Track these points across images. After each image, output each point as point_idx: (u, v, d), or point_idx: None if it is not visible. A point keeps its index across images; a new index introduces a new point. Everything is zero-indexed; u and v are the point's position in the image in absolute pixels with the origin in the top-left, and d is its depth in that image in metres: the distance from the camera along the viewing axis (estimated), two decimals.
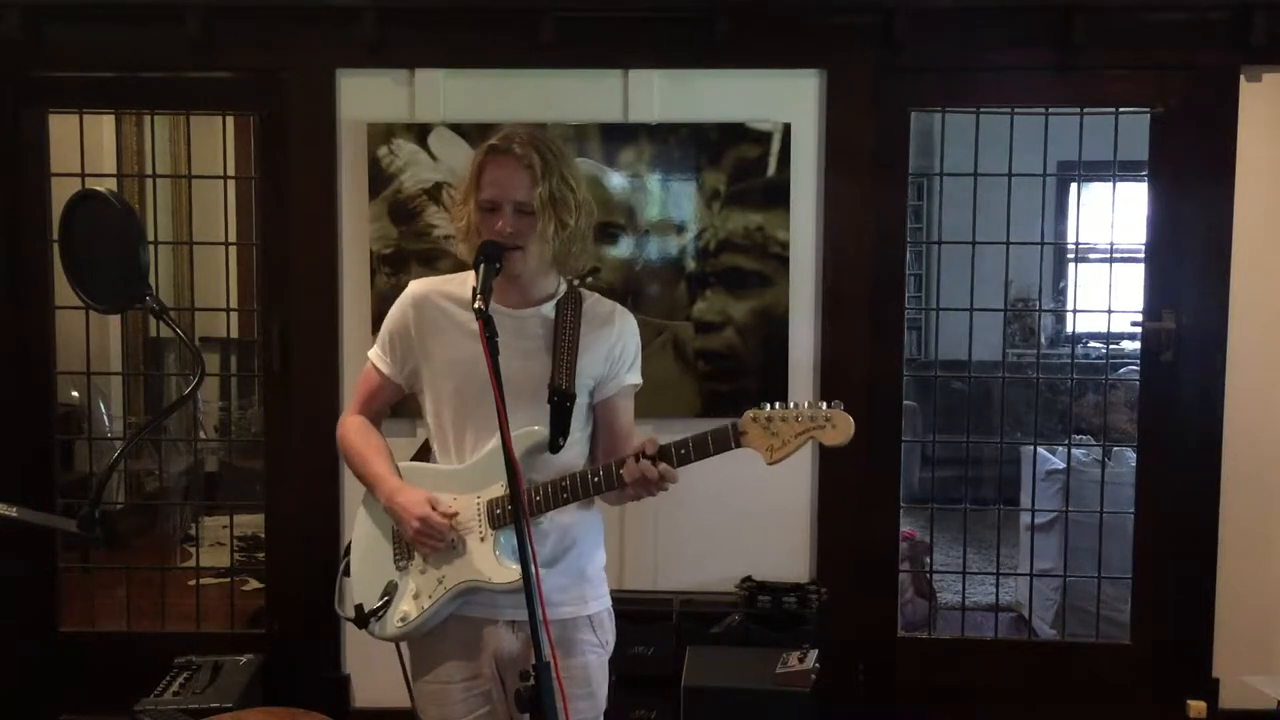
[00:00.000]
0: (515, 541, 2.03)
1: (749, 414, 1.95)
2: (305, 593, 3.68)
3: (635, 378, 2.23)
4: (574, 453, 2.16)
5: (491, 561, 2.07)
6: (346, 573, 2.26)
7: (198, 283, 4.41)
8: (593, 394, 2.19)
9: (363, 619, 2.16)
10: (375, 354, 2.26)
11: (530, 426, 2.08)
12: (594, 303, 2.22)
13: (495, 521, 2.08)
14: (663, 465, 1.96)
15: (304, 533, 3.74)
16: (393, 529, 2.18)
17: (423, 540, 2.09)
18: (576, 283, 2.27)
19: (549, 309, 2.16)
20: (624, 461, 2.00)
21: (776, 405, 1.94)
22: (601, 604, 2.22)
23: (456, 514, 2.09)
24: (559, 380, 2.11)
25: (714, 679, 3.25)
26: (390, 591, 2.16)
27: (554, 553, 2.13)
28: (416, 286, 2.23)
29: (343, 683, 3.82)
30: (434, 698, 2.19)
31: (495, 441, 2.03)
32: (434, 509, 2.08)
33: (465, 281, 2.16)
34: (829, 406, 1.93)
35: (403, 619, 2.13)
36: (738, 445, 1.96)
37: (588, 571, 2.20)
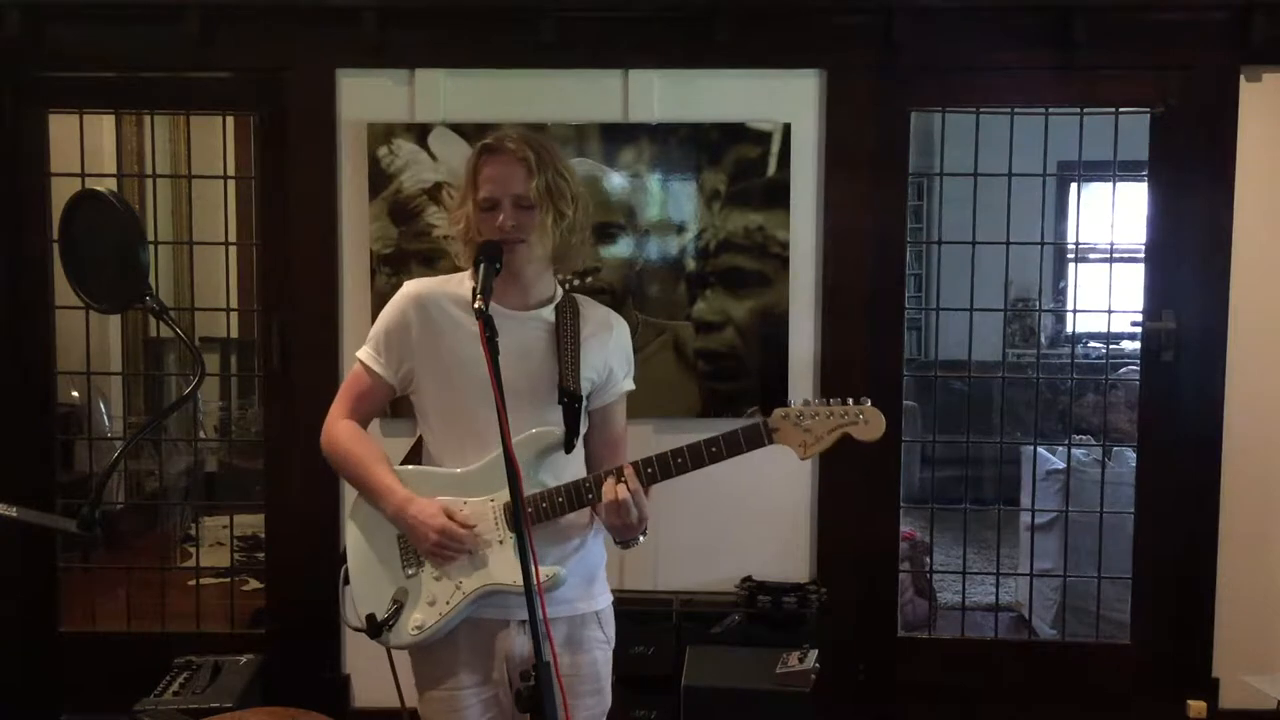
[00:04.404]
0: (536, 544, 2.05)
1: (779, 412, 2.00)
2: (305, 593, 3.68)
3: (630, 384, 2.26)
4: (577, 455, 2.18)
5: (514, 565, 2.04)
6: (346, 581, 2.19)
7: (198, 283, 4.40)
8: (589, 398, 2.19)
9: (375, 628, 2.10)
10: (367, 354, 2.22)
11: (544, 427, 2.09)
12: (590, 307, 2.23)
13: (514, 525, 2.07)
14: (635, 487, 2.00)
15: (304, 533, 3.74)
16: (397, 536, 2.14)
17: (441, 552, 2.06)
18: (568, 286, 2.27)
19: (549, 313, 2.16)
20: (590, 480, 2.05)
21: (803, 402, 2.00)
22: (606, 599, 2.24)
23: (475, 525, 2.08)
24: (567, 382, 2.11)
25: (714, 679, 3.25)
26: (400, 599, 2.12)
27: (565, 551, 2.13)
28: (416, 286, 2.20)
29: (343, 683, 3.82)
30: (445, 705, 2.16)
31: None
32: (451, 519, 2.06)
33: (464, 282, 2.16)
34: (857, 403, 1.98)
35: (418, 627, 2.10)
36: (770, 442, 2.00)
37: (594, 569, 2.21)
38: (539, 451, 2.08)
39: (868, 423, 1.98)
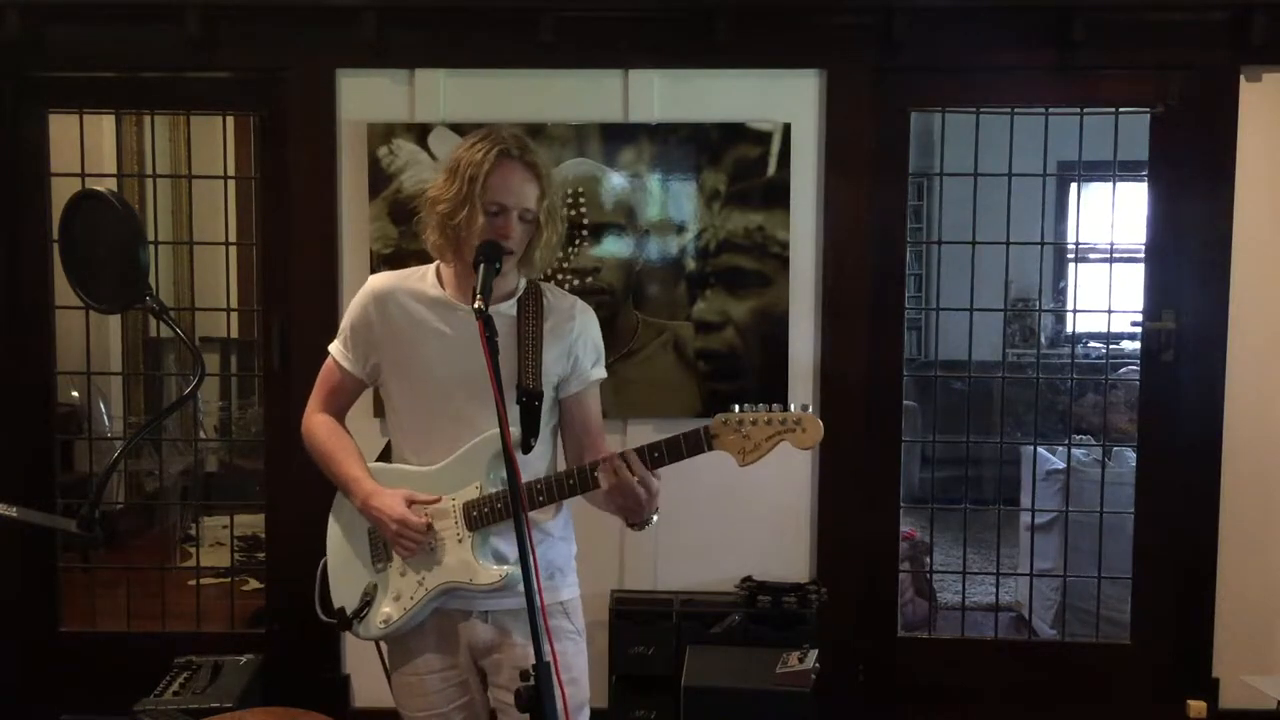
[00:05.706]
0: (494, 543, 2.12)
1: (720, 417, 1.98)
2: (305, 592, 3.65)
3: (600, 372, 2.27)
4: (539, 451, 2.18)
5: (471, 564, 2.11)
6: (325, 576, 2.29)
7: (198, 283, 4.41)
8: (557, 389, 2.21)
9: (345, 622, 2.21)
10: (336, 349, 2.27)
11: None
12: (555, 298, 2.24)
13: (472, 524, 2.11)
14: (642, 470, 1.98)
15: (304, 533, 3.68)
16: (369, 531, 2.21)
17: (401, 541, 2.11)
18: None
19: (510, 307, 2.18)
20: (597, 464, 2.02)
21: (746, 408, 1.97)
22: (573, 591, 2.27)
23: (430, 518, 2.12)
24: (526, 380, 2.13)
25: (714, 679, 3.24)
26: (370, 593, 2.20)
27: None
28: (378, 281, 2.25)
29: (342, 683, 3.83)
30: (412, 689, 2.23)
31: (470, 443, 2.11)
32: (410, 508, 2.10)
33: (426, 276, 2.22)
34: (798, 409, 1.96)
35: (385, 621, 2.18)
36: (710, 448, 1.99)
37: (558, 561, 2.24)
38: (496, 452, 2.09)
39: (805, 431, 1.95)
